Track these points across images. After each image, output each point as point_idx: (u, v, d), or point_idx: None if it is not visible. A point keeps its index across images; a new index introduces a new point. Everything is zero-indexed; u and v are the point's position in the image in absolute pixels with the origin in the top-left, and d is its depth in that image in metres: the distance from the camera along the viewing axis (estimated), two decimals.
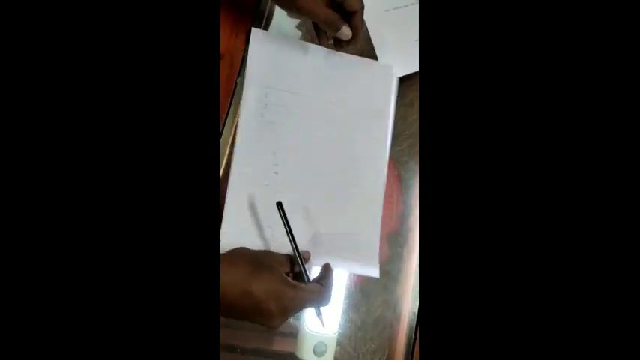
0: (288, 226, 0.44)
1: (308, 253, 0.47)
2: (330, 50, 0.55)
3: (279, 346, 0.59)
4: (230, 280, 0.39)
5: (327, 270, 0.47)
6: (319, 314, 0.44)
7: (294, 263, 0.46)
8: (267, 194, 0.49)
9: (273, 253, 0.46)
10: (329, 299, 0.44)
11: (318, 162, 0.52)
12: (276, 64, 0.52)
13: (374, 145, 0.54)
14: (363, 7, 0.48)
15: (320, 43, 0.55)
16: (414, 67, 0.63)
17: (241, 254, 0.43)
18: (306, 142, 0.51)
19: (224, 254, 0.42)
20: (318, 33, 0.55)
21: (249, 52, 0.50)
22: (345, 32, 0.49)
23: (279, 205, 0.44)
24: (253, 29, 0.51)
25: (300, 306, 0.42)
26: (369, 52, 0.65)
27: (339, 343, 0.59)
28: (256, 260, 0.42)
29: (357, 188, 0.53)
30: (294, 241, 0.45)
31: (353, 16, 0.48)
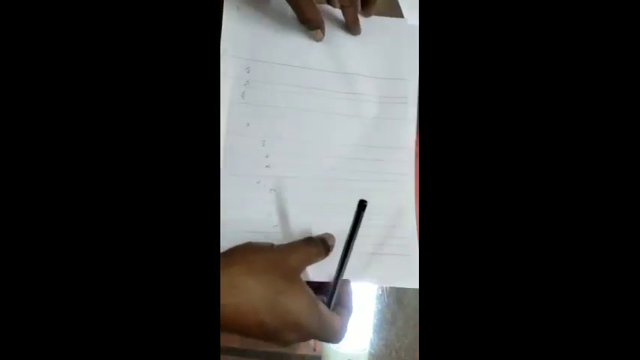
0: (352, 235, 0.35)
1: (333, 238, 0.38)
2: (336, 9, 0.44)
3: None
4: (238, 304, 0.30)
5: (346, 297, 0.37)
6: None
7: (325, 246, 0.36)
8: (259, 194, 0.40)
9: (296, 249, 0.35)
10: (343, 337, 0.35)
11: (322, 150, 0.41)
12: (260, 30, 0.42)
13: (397, 125, 0.43)
14: None
15: (329, 3, 0.45)
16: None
17: (251, 264, 0.32)
18: (304, 126, 0.41)
19: (227, 259, 0.32)
20: None
21: (223, 18, 0.41)
22: (317, 36, 0.43)
23: (362, 205, 0.34)
24: None
25: (319, 338, 0.34)
26: (391, 8, 0.53)
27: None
28: (275, 272, 0.32)
29: (376, 178, 0.42)
30: (345, 259, 0.35)
31: None
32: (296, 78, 0.42)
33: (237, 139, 0.40)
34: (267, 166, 0.40)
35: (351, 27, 0.43)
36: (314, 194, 0.40)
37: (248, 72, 0.41)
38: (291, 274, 0.33)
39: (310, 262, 0.36)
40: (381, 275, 0.40)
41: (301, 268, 0.35)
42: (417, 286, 0.40)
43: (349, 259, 0.35)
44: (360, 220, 0.34)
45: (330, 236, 0.38)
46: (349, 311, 0.37)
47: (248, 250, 0.33)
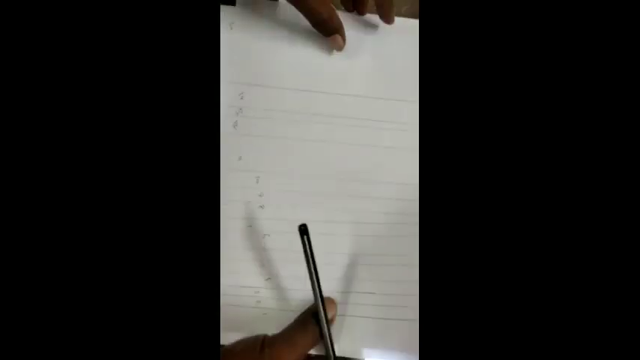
0: (311, 268, 0.29)
1: (334, 306, 0.32)
2: (344, 13, 0.38)
3: None
4: None
5: None
6: None
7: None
8: (251, 240, 0.34)
9: (291, 341, 0.30)
10: None
11: (326, 187, 0.35)
12: (258, 49, 0.36)
13: (413, 155, 0.36)
14: None
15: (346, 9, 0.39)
16: None
17: None
18: (304, 159, 0.35)
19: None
20: None
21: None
22: (337, 43, 0.35)
23: (302, 230, 0.29)
24: (223, 7, 0.37)
25: None
26: (412, 10, 0.46)
27: None
28: None
29: (390, 220, 0.35)
30: (319, 293, 0.29)
31: None
32: (296, 103, 0.36)
33: (227, 176, 0.35)
34: (260, 207, 0.34)
35: (385, 13, 0.35)
36: (314, 241, 0.34)
37: (242, 98, 0.36)
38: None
39: (311, 348, 0.30)
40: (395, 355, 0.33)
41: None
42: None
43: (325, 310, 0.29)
44: (308, 247, 0.29)
45: (331, 303, 0.31)
46: None
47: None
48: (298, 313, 0.31)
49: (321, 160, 0.35)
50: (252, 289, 0.33)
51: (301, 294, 0.33)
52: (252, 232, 0.34)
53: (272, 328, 0.30)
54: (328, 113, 0.36)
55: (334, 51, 0.36)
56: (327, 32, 0.35)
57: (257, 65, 0.36)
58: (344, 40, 0.35)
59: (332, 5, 0.34)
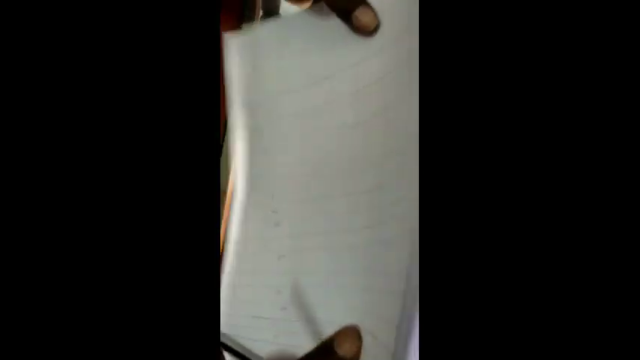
0: None
1: (355, 333, 0.25)
2: None
3: None
4: None
5: None
6: None
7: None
8: (267, 263, 0.30)
9: None
10: None
11: (336, 195, 0.29)
12: (264, 68, 0.34)
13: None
14: None
15: None
16: None
17: None
18: (317, 166, 0.30)
19: None
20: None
21: (225, 67, 0.35)
22: (363, 19, 0.28)
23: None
24: (226, 35, 0.36)
25: None
26: None
27: None
28: None
29: (403, 234, 0.27)
30: None
31: None
32: (303, 103, 0.32)
33: (247, 197, 0.32)
34: (276, 225, 0.30)
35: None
36: (334, 254, 0.27)
37: (257, 117, 0.34)
38: None
39: None
40: None
41: None
42: None
43: None
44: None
45: (352, 333, 0.24)
46: None
47: None
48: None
49: (334, 162, 0.30)
50: (266, 320, 0.28)
51: (316, 314, 0.27)
52: (268, 253, 0.30)
53: None
54: (340, 113, 0.31)
55: (337, 54, 0.31)
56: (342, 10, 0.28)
57: (267, 84, 0.34)
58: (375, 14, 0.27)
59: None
